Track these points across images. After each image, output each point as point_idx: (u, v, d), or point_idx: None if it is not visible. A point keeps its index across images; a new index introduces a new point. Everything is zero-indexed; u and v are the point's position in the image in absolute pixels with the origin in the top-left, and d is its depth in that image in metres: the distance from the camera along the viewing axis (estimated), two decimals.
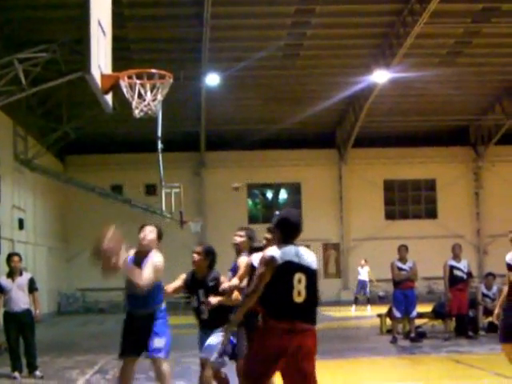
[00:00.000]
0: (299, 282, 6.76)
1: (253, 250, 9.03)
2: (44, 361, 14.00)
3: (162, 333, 8.69)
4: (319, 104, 31.69)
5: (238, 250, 9.44)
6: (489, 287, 18.95)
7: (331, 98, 31.31)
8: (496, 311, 10.37)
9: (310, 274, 6.86)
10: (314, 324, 6.88)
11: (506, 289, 10.31)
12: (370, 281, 30.58)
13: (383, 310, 20.21)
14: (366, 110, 32.53)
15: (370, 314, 25.81)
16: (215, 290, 8.86)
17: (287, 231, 7.09)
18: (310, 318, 6.86)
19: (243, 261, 9.15)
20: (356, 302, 30.49)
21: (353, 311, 29.55)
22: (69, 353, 16.94)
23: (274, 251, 6.86)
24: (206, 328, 9.07)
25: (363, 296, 30.61)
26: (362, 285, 30.60)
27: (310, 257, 7.02)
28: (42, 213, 31.32)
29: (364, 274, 30.49)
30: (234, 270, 9.31)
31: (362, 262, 30.86)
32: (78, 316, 32.14)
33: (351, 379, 11.48)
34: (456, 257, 18.09)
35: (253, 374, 6.80)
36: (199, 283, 9.10)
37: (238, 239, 9.49)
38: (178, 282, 9.34)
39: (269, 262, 6.77)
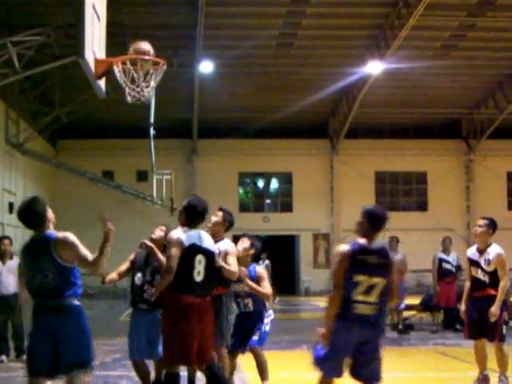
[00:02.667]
0: (199, 263, 7.83)
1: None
2: None
3: None
4: (312, 94, 31.67)
5: (212, 231, 9.28)
6: None
7: (325, 88, 31.31)
8: (462, 308, 10.40)
9: (210, 256, 7.96)
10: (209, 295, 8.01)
11: (468, 284, 10.35)
12: None
13: None
14: (359, 101, 32.52)
15: None
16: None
17: (193, 217, 8.03)
18: (207, 294, 7.93)
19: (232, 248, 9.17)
20: None
21: None
22: None
23: (180, 234, 7.81)
24: (146, 310, 9.05)
25: None
26: None
27: (209, 241, 8.09)
28: None
29: None
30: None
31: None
32: None
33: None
34: (445, 250, 18.15)
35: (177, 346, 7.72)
36: (148, 261, 9.11)
37: (213, 219, 9.41)
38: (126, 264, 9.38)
39: (178, 243, 7.72)
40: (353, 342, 7.02)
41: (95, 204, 32.11)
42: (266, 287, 9.55)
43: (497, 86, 33.98)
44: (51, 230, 6.99)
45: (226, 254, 9.23)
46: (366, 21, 27.27)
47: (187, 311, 7.70)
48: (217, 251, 8.60)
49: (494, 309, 9.69)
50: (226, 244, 9.26)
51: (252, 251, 9.66)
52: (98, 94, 12.27)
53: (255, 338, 9.54)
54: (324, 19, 26.52)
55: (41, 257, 6.87)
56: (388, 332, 17.17)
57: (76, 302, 6.94)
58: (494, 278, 9.92)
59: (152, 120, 24.89)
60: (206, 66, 28.79)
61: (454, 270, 17.96)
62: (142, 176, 34.32)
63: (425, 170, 38.29)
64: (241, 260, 9.36)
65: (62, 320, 6.82)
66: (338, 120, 36.37)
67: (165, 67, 11.65)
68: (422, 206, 38.16)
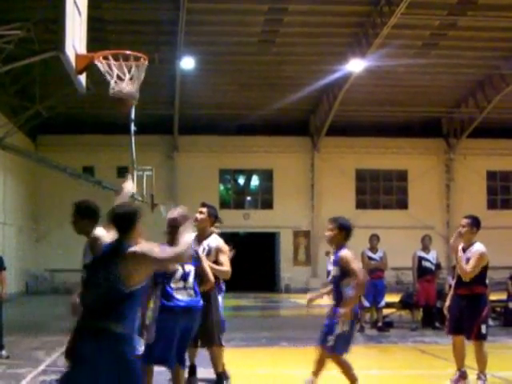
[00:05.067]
0: None
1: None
2: (10, 340, 13.92)
3: None
4: (294, 91, 31.68)
5: (199, 228, 9.19)
6: None
7: (306, 85, 31.32)
8: (446, 303, 10.48)
9: None
10: None
11: (454, 281, 10.45)
12: None
13: None
14: (340, 98, 32.57)
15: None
16: None
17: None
18: None
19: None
20: None
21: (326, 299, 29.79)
22: (36, 333, 16.87)
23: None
24: None
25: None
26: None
27: None
28: (12, 192, 31.09)
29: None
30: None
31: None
32: (46, 296, 31.96)
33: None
34: (425, 248, 18.21)
35: None
36: None
37: (198, 216, 9.33)
38: None
39: None
40: None
41: (75, 199, 31.86)
42: (225, 263, 9.38)
43: (477, 86, 34.13)
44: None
45: (217, 252, 9.19)
46: (348, 18, 27.33)
47: None
48: (206, 248, 8.59)
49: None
50: (216, 240, 9.21)
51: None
52: (79, 89, 12.18)
53: None
54: (306, 16, 26.55)
55: None
56: (368, 329, 17.28)
57: None
58: (476, 276, 9.95)
59: (133, 116, 24.77)
60: (188, 63, 28.76)
61: (433, 268, 18.02)
62: (123, 172, 34.10)
63: (405, 168, 38.39)
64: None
65: None
66: (319, 117, 36.40)
67: (146, 63, 11.60)
68: (403, 204, 38.25)
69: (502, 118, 35.55)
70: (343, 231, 9.15)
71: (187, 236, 6.14)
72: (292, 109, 34.53)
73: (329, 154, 37.20)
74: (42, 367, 11.84)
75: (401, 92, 33.83)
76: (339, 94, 32.27)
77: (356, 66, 28.88)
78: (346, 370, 8.85)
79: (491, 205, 38.50)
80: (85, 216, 7.80)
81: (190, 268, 8.38)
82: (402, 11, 24.42)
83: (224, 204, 37.19)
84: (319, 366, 9.00)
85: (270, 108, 32.82)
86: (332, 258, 9.39)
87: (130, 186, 7.75)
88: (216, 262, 9.28)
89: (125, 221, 6.14)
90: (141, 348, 7.71)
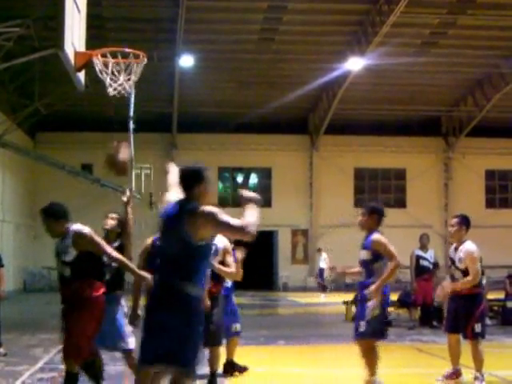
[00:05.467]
0: None
1: None
2: (8, 338, 13.92)
3: None
4: (293, 89, 31.69)
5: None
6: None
7: (305, 83, 31.34)
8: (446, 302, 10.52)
9: None
10: None
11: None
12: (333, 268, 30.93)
13: (350, 297, 20.30)
14: (339, 97, 32.60)
15: (336, 300, 25.91)
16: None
17: None
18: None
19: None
20: (325, 288, 30.82)
21: (322, 298, 29.91)
22: (33, 331, 16.86)
23: None
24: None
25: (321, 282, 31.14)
26: (320, 272, 31.38)
27: None
28: (11, 189, 31.10)
29: (322, 261, 31.12)
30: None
31: (319, 250, 31.49)
32: (44, 294, 31.92)
33: (315, 365, 11.57)
34: (423, 247, 18.20)
35: None
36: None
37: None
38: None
39: None
40: None
41: (74, 197, 31.94)
42: (232, 264, 9.33)
43: (476, 84, 34.17)
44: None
45: (225, 253, 9.19)
46: (347, 17, 27.34)
47: None
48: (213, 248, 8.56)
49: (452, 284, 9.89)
50: (223, 240, 9.21)
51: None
52: (78, 86, 12.21)
53: None
54: (305, 15, 26.57)
55: None
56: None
57: None
58: (467, 275, 9.95)
59: (132, 113, 24.77)
60: (187, 60, 28.78)
61: (431, 267, 18.02)
62: None
63: (404, 166, 38.43)
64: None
65: None
66: (318, 116, 36.42)
67: (145, 60, 11.62)
68: (401, 203, 38.26)
69: (501, 117, 35.58)
70: (375, 216, 9.21)
71: (254, 214, 6.04)
72: (291, 107, 34.53)
73: (327, 152, 37.22)
74: (39, 365, 11.83)
75: (400, 90, 33.84)
76: (338, 93, 32.30)
77: (355, 64, 28.91)
78: (371, 360, 8.75)
79: (489, 204, 38.56)
80: (59, 217, 8.14)
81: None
82: (401, 10, 24.45)
83: (222, 201, 37.16)
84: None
85: (268, 106, 32.82)
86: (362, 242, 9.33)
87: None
88: (223, 262, 9.30)
89: (189, 178, 6.25)
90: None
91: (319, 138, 37.18)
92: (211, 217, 5.93)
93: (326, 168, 37.27)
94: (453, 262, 10.18)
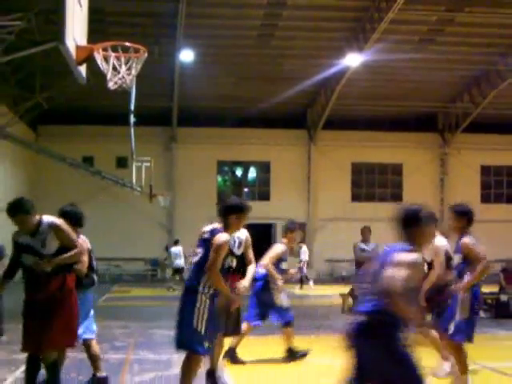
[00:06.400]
0: None
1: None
2: (10, 327, 14.05)
3: None
4: (292, 85, 31.90)
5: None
6: None
7: (304, 79, 31.55)
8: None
9: None
10: None
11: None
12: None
13: (346, 289, 20.50)
14: (337, 92, 32.81)
15: (332, 293, 26.08)
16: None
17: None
18: None
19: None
20: (302, 281, 30.94)
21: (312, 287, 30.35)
22: None
23: None
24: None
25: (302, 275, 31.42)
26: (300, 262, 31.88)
27: None
28: (13, 181, 31.28)
29: (302, 254, 31.43)
30: None
31: (299, 243, 31.84)
32: None
33: (312, 355, 11.69)
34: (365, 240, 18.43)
35: None
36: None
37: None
38: None
39: None
40: None
41: (75, 189, 32.24)
42: (252, 259, 9.56)
43: (473, 81, 34.36)
44: None
45: (247, 247, 9.31)
46: (346, 13, 27.51)
47: None
48: (237, 241, 8.78)
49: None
50: (244, 233, 9.33)
51: None
52: (79, 80, 12.31)
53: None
54: (304, 11, 26.72)
55: None
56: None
57: None
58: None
59: (132, 107, 24.96)
60: (187, 55, 28.96)
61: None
62: (122, 162, 34.39)
63: (400, 161, 38.66)
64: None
65: None
66: (316, 111, 36.63)
67: (146, 55, 11.82)
68: (397, 197, 38.46)
69: (497, 114, 35.81)
70: (464, 218, 9.14)
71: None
72: (289, 102, 34.71)
73: (325, 147, 37.46)
74: None
75: (397, 87, 34.03)
76: (336, 88, 32.51)
77: (353, 60, 29.09)
78: (462, 359, 8.75)
79: (485, 199, 38.82)
80: (30, 212, 7.68)
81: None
82: (399, 6, 24.63)
83: (222, 195, 37.38)
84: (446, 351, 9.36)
85: (267, 101, 33.04)
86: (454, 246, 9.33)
87: None
88: (244, 254, 9.40)
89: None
90: None
91: (317, 133, 37.42)
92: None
93: (323, 162, 37.50)
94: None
